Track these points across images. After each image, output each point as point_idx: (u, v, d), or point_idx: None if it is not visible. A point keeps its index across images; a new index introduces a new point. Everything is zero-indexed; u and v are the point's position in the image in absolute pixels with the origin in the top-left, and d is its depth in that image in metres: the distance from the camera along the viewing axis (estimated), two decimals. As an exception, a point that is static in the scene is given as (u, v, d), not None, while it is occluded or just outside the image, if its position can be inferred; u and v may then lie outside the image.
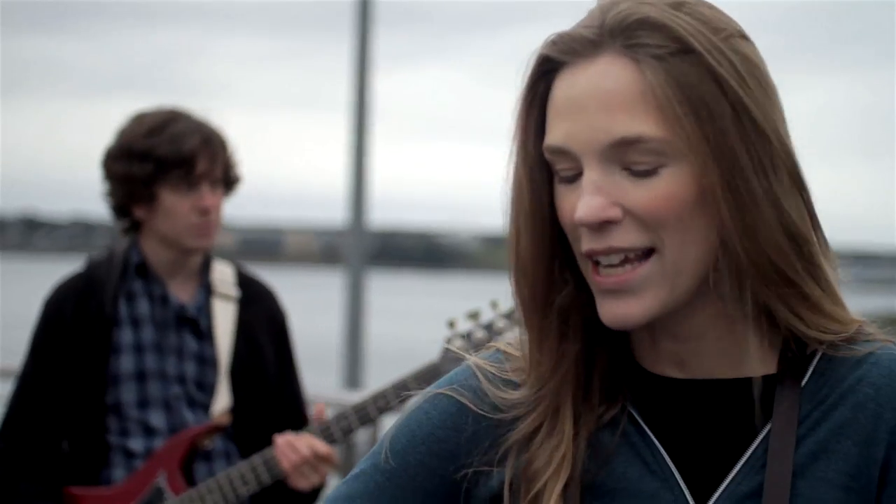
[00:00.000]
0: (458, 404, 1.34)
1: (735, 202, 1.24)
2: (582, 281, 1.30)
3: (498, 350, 1.38)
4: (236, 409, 3.15)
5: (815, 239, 1.28)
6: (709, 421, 1.30)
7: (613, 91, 1.24)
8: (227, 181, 3.20)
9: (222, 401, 3.16)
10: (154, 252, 3.18)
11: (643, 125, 1.23)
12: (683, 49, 1.24)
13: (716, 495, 1.28)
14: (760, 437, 1.28)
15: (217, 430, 3.15)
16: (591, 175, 1.24)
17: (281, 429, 3.04)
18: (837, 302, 1.29)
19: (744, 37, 1.28)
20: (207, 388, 3.17)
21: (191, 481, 3.11)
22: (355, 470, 1.36)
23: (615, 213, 1.24)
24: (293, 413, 3.22)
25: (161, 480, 3.11)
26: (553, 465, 1.29)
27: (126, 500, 3.11)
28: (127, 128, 3.16)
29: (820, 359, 1.29)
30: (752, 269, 1.25)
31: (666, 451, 1.30)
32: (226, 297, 3.22)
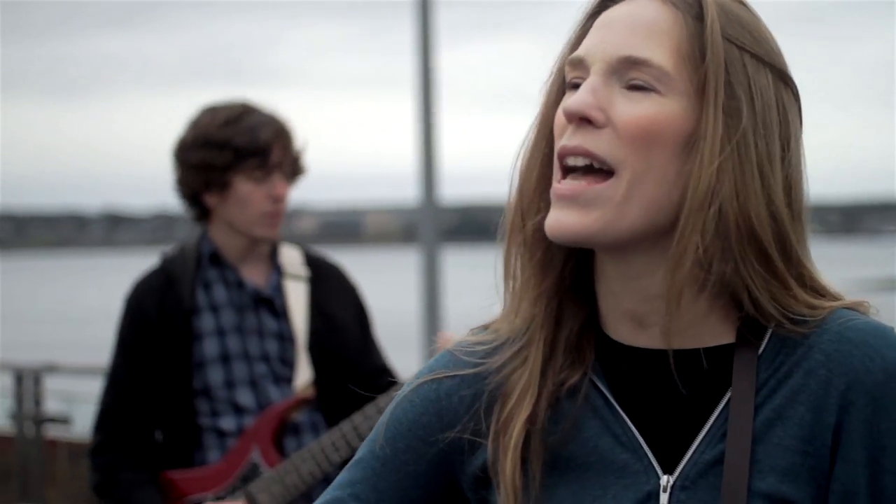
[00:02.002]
0: (437, 388, 1.44)
1: (733, 166, 1.29)
2: None
3: (477, 327, 1.46)
4: (318, 381, 3.27)
5: (791, 224, 1.33)
6: (672, 391, 1.35)
7: (641, 19, 1.34)
8: (295, 171, 3.34)
9: (303, 375, 3.28)
10: (224, 240, 3.31)
11: (654, 52, 1.32)
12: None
13: (682, 464, 1.33)
14: (721, 406, 1.33)
15: (303, 403, 3.28)
16: (593, 79, 1.33)
17: (364, 393, 3.16)
18: (809, 286, 1.34)
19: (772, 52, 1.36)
20: (289, 364, 3.29)
21: (283, 454, 3.23)
22: (356, 457, 1.46)
23: (599, 115, 1.31)
24: (375, 378, 3.33)
25: (255, 456, 3.22)
26: (516, 394, 1.36)
27: (223, 478, 3.23)
28: (201, 119, 3.28)
29: (775, 328, 1.33)
30: (737, 238, 1.30)
31: (633, 421, 1.35)
32: (296, 277, 3.35)
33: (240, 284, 3.31)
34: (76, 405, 6.89)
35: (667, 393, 1.35)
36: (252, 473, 3.22)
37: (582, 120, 1.32)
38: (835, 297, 1.35)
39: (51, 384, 6.35)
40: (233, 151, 3.22)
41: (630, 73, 1.32)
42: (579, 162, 1.32)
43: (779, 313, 1.32)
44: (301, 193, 3.63)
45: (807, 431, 1.30)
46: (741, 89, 1.31)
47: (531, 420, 1.36)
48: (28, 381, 6.29)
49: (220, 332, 3.29)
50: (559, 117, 1.34)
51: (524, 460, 1.37)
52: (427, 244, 10.85)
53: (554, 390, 1.37)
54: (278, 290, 3.33)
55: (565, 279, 1.39)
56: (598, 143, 1.31)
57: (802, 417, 1.30)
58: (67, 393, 7.01)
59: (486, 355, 1.42)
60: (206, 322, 3.29)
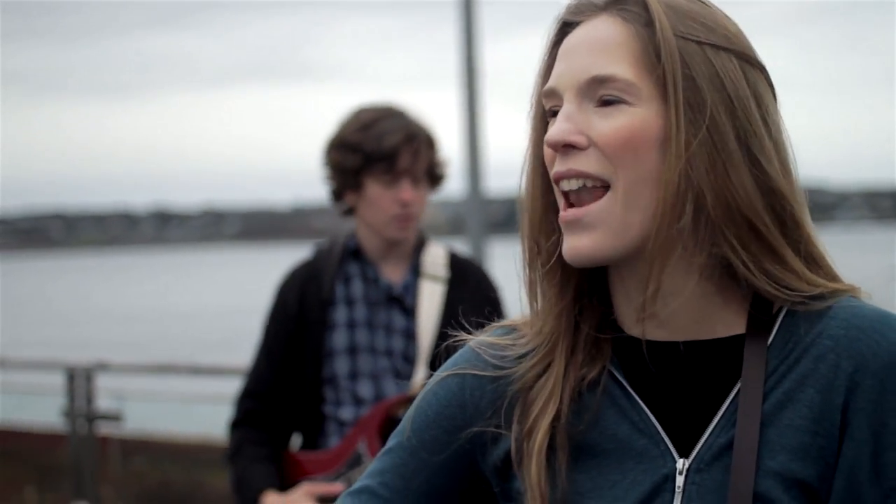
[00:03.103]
0: (461, 382, 1.51)
1: (706, 153, 1.36)
2: None
3: (501, 326, 1.54)
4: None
5: (796, 198, 1.39)
6: (687, 380, 1.42)
7: (599, 39, 1.41)
8: (433, 177, 3.44)
9: (421, 373, 3.37)
10: (365, 237, 3.45)
11: (616, 67, 1.39)
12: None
13: (697, 448, 1.40)
14: (732, 393, 1.40)
15: (411, 400, 3.30)
16: (566, 107, 1.40)
17: None
18: (813, 262, 1.41)
19: (731, 31, 1.42)
20: (412, 361, 3.42)
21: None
22: (386, 446, 1.54)
23: (580, 139, 1.39)
24: None
25: (361, 446, 3.35)
26: (539, 405, 1.43)
27: (335, 463, 3.39)
28: (346, 120, 3.43)
29: (784, 316, 1.40)
30: (722, 222, 1.37)
31: (650, 410, 1.42)
32: (434, 277, 3.46)
33: (376, 280, 3.44)
34: (127, 402, 6.94)
35: (682, 382, 1.42)
36: (356, 462, 3.35)
37: (566, 147, 1.39)
38: (831, 275, 1.42)
39: (102, 382, 6.41)
40: (363, 155, 3.35)
41: (599, 91, 1.39)
42: (573, 185, 1.40)
43: (781, 293, 1.39)
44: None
45: (816, 413, 1.37)
46: (703, 80, 1.37)
47: (555, 420, 1.43)
48: (80, 380, 6.33)
49: (351, 325, 3.42)
50: (546, 150, 1.42)
51: (548, 455, 1.43)
52: (474, 236, 10.86)
53: (575, 385, 1.44)
54: (410, 289, 3.44)
55: (583, 290, 1.47)
56: (586, 163, 1.38)
57: (812, 399, 1.37)
58: (118, 390, 7.06)
59: (509, 360, 1.49)
60: (339, 314, 3.42)
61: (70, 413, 6.35)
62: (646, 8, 1.40)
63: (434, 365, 3.31)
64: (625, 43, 1.39)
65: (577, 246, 1.39)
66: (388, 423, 3.33)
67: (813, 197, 1.47)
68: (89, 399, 6.33)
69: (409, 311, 3.44)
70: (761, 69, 1.42)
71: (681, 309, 1.41)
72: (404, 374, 3.41)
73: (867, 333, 1.37)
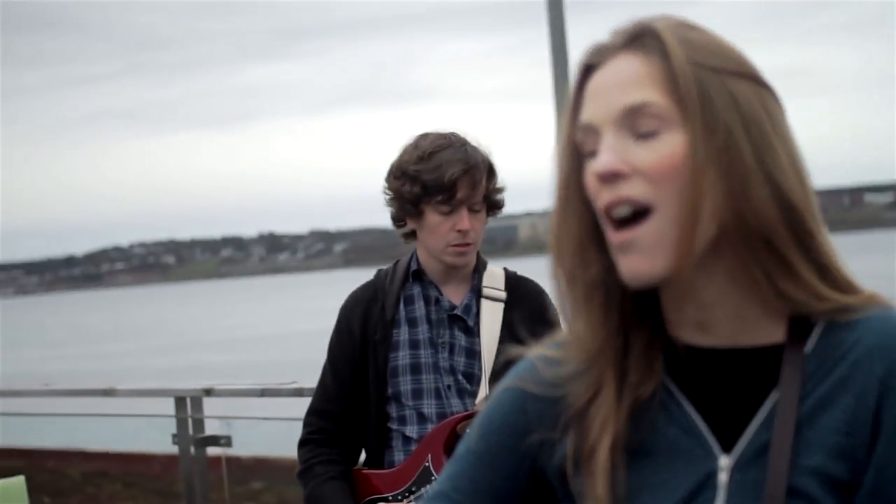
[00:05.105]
0: (522, 392, 1.61)
1: (723, 171, 1.45)
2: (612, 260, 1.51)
3: (557, 341, 1.62)
4: None
5: (812, 211, 1.49)
6: (729, 385, 1.52)
7: (622, 74, 1.49)
8: (490, 204, 3.52)
9: (484, 390, 3.46)
10: (426, 260, 3.54)
11: (647, 94, 1.47)
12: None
13: (738, 447, 1.49)
14: (772, 397, 1.50)
15: (475, 416, 3.37)
16: (606, 140, 1.48)
17: None
18: (828, 274, 1.49)
19: (742, 70, 1.50)
20: (475, 380, 3.49)
21: None
22: (456, 452, 1.65)
23: (624, 167, 1.46)
24: None
25: (429, 463, 3.44)
26: (597, 428, 1.53)
27: (403, 480, 3.47)
28: (406, 149, 3.51)
29: (821, 325, 1.50)
30: (743, 238, 1.46)
31: (696, 412, 1.52)
32: (493, 298, 3.54)
33: (437, 301, 3.53)
34: (233, 425, 7.09)
35: (725, 387, 1.52)
36: (425, 478, 3.43)
37: (613, 176, 1.47)
38: (846, 284, 1.51)
39: (210, 408, 6.54)
40: (421, 186, 3.43)
41: (636, 122, 1.47)
42: (624, 211, 1.47)
43: (813, 305, 1.48)
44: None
45: (850, 415, 1.46)
46: (719, 102, 1.46)
47: (615, 442, 1.52)
48: (190, 405, 6.48)
49: (414, 345, 3.50)
50: (591, 182, 1.49)
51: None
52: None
53: (630, 406, 1.53)
54: (470, 309, 3.52)
55: (628, 309, 1.54)
56: (633, 189, 1.46)
57: (847, 403, 1.46)
58: (225, 414, 7.21)
59: (564, 377, 1.58)
60: (402, 334, 3.51)
61: (180, 438, 6.51)
62: (661, 41, 1.49)
63: (496, 382, 3.39)
64: (648, 74, 1.48)
65: (634, 266, 1.46)
66: (454, 440, 3.39)
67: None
68: (196, 424, 6.48)
69: (471, 331, 3.52)
70: (769, 89, 1.51)
71: (723, 317, 1.50)
72: (467, 392, 3.49)
73: None
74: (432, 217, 3.45)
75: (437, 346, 3.50)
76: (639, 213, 1.46)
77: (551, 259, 1.55)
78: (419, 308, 3.53)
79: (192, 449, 6.49)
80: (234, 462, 7.32)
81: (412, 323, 3.52)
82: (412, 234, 3.54)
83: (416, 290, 3.55)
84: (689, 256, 1.45)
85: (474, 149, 3.49)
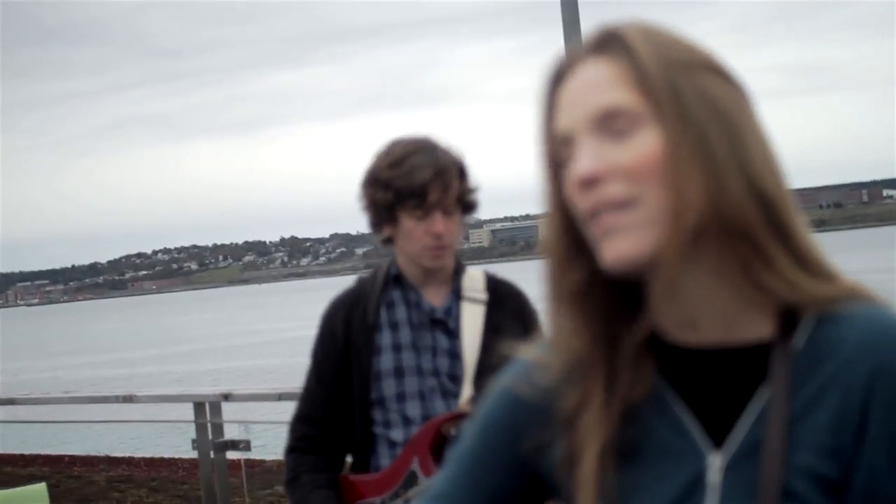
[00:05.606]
0: (514, 394, 1.60)
1: (697, 164, 1.44)
2: (597, 264, 1.50)
3: (543, 342, 1.61)
4: (477, 397, 3.41)
5: (787, 202, 1.47)
6: (717, 383, 1.50)
7: (591, 79, 1.49)
8: (465, 205, 3.50)
9: (467, 391, 3.45)
10: (405, 265, 3.55)
11: (619, 95, 1.46)
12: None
13: (728, 446, 1.47)
14: (760, 395, 1.48)
15: (460, 417, 3.41)
16: (585, 143, 1.47)
17: None
18: (807, 264, 1.48)
19: (710, 64, 1.50)
20: (459, 381, 3.48)
21: (439, 465, 3.26)
22: (453, 454, 1.66)
23: (603, 169, 1.45)
24: None
25: (415, 466, 3.44)
26: (585, 434, 1.51)
27: (389, 484, 3.47)
28: (378, 155, 3.49)
29: (808, 321, 1.48)
30: (720, 230, 1.45)
31: (687, 411, 1.50)
32: (474, 300, 3.55)
33: (418, 305, 3.53)
34: (253, 430, 7.15)
35: (717, 383, 1.50)
36: (411, 482, 3.44)
37: (593, 180, 1.46)
38: (828, 274, 1.50)
39: (229, 412, 6.58)
40: (394, 192, 3.42)
41: (610, 123, 1.46)
42: (608, 210, 1.46)
43: (797, 297, 1.47)
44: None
45: (838, 415, 1.44)
46: (690, 98, 1.45)
47: (604, 447, 1.51)
48: (209, 410, 6.54)
49: (397, 348, 3.49)
50: (571, 188, 1.48)
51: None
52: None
53: (620, 411, 1.51)
54: (452, 311, 3.52)
55: (615, 313, 1.53)
56: (614, 189, 1.45)
57: (834, 402, 1.44)
58: (244, 418, 7.27)
59: (552, 385, 1.57)
60: (384, 338, 3.51)
61: (199, 443, 6.57)
62: (627, 43, 1.48)
63: (479, 382, 3.44)
64: (617, 75, 1.47)
65: (617, 249, 1.45)
66: (440, 441, 3.41)
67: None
68: (216, 429, 6.54)
69: (453, 333, 3.52)
70: (739, 84, 1.50)
71: (710, 314, 1.48)
72: (451, 393, 3.49)
73: (886, 342, 1.45)
74: (407, 222, 3.46)
75: (420, 349, 3.51)
76: (622, 206, 1.45)
77: (542, 264, 1.55)
78: (401, 312, 3.55)
79: (212, 453, 6.54)
80: (254, 465, 7.37)
81: (394, 327, 3.53)
82: (390, 240, 3.56)
83: (398, 294, 3.56)
84: (674, 239, 1.44)
85: (444, 152, 3.48)
